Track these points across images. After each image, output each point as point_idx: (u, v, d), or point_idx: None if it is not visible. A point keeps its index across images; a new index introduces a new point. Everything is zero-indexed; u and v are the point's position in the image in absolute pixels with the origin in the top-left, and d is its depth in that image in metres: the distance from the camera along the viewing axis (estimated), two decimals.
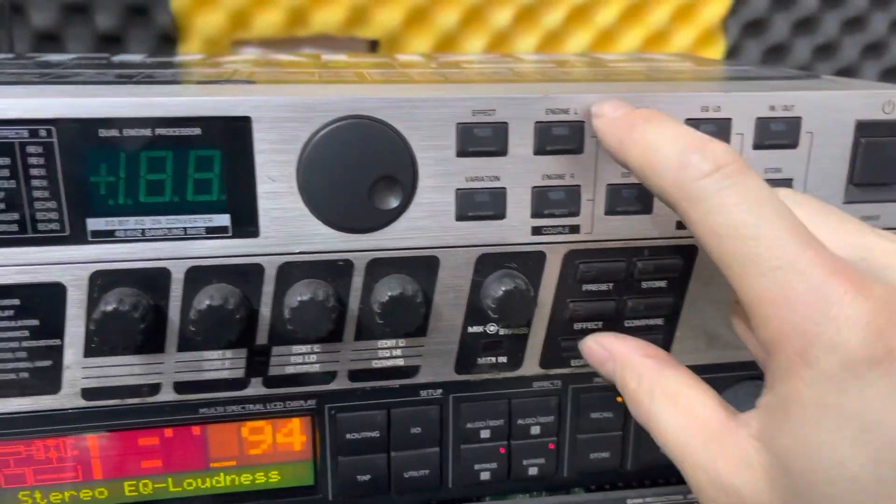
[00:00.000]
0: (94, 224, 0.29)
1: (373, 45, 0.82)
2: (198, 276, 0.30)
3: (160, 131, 0.28)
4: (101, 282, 0.29)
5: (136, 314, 0.28)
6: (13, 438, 0.31)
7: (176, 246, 0.29)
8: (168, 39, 0.80)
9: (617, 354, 0.29)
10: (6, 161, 0.27)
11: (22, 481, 0.32)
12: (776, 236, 0.22)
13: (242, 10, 0.80)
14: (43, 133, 0.27)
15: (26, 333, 0.30)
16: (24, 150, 0.27)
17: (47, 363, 0.30)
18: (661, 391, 0.26)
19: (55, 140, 0.27)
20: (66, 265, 0.29)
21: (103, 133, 0.28)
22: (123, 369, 0.31)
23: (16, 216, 0.28)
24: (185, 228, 0.29)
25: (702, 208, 0.23)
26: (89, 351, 0.30)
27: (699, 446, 0.24)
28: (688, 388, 0.26)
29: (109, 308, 0.28)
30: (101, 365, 0.30)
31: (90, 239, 0.29)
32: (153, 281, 0.30)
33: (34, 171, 0.28)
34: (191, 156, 0.29)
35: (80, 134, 0.28)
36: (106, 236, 0.29)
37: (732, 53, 0.80)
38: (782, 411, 0.22)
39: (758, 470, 0.23)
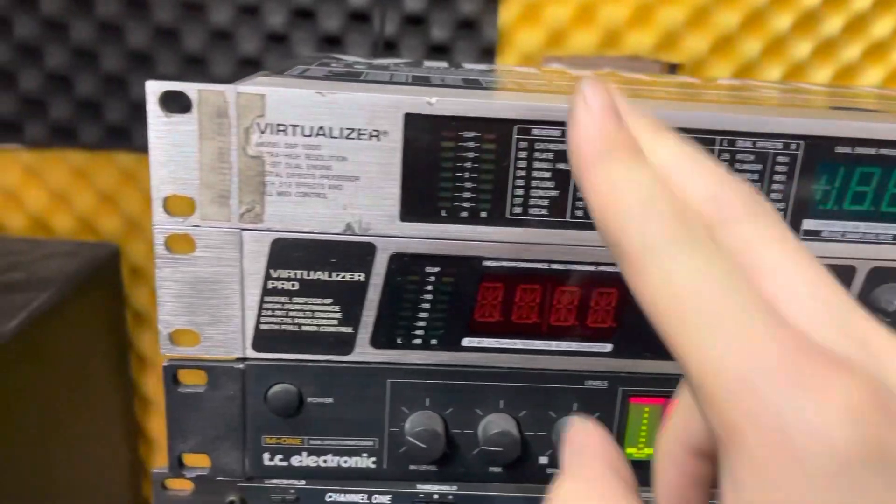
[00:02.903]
0: (808, 224, 0.34)
1: (672, 69, 0.87)
2: (881, 275, 0.35)
3: (883, 151, 0.33)
4: None
5: None
6: None
7: (865, 248, 0.35)
8: (488, 52, 0.88)
9: (587, 450, 0.22)
10: (759, 167, 0.34)
11: None
12: (749, 307, 0.18)
13: (561, 29, 0.86)
14: (793, 146, 0.33)
15: None
16: (775, 160, 0.34)
17: None
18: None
19: (800, 153, 0.33)
20: None
21: (839, 149, 0.33)
22: None
23: None
24: (876, 234, 0.35)
25: (665, 269, 0.19)
26: None
27: None
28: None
29: None
30: None
31: (802, 237, 0.35)
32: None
33: (777, 177, 0.34)
34: (894, 173, 0.34)
35: (820, 149, 0.33)
36: (814, 235, 0.35)
37: None
38: None
39: None
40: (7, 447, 0.64)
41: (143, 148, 0.85)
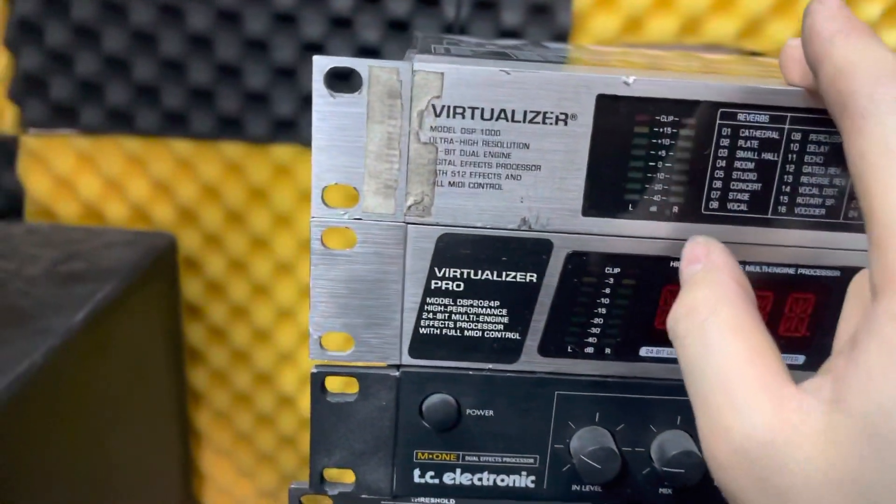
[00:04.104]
0: None
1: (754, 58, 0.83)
2: None
3: None
4: None
5: None
6: None
7: None
8: (561, 38, 0.84)
9: (714, 263, 0.26)
10: None
11: None
12: None
13: (638, 15, 0.82)
14: None
15: None
16: None
17: None
18: (731, 317, 0.23)
19: None
20: None
21: None
22: None
23: None
24: None
25: (886, 125, 0.21)
26: None
27: (745, 386, 0.22)
28: (761, 333, 0.23)
29: None
30: None
31: None
32: None
33: None
34: None
35: None
36: None
37: None
38: (885, 360, 0.19)
39: (815, 437, 0.20)
40: (71, 441, 0.61)
41: (198, 135, 0.82)
